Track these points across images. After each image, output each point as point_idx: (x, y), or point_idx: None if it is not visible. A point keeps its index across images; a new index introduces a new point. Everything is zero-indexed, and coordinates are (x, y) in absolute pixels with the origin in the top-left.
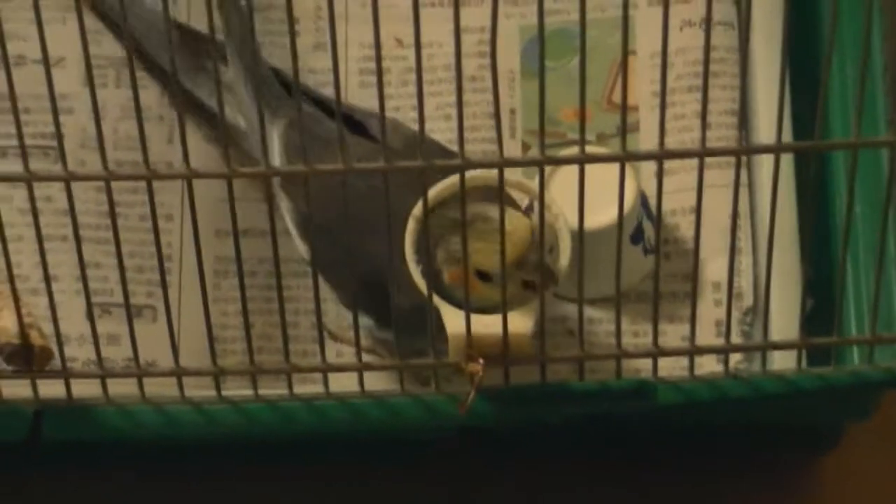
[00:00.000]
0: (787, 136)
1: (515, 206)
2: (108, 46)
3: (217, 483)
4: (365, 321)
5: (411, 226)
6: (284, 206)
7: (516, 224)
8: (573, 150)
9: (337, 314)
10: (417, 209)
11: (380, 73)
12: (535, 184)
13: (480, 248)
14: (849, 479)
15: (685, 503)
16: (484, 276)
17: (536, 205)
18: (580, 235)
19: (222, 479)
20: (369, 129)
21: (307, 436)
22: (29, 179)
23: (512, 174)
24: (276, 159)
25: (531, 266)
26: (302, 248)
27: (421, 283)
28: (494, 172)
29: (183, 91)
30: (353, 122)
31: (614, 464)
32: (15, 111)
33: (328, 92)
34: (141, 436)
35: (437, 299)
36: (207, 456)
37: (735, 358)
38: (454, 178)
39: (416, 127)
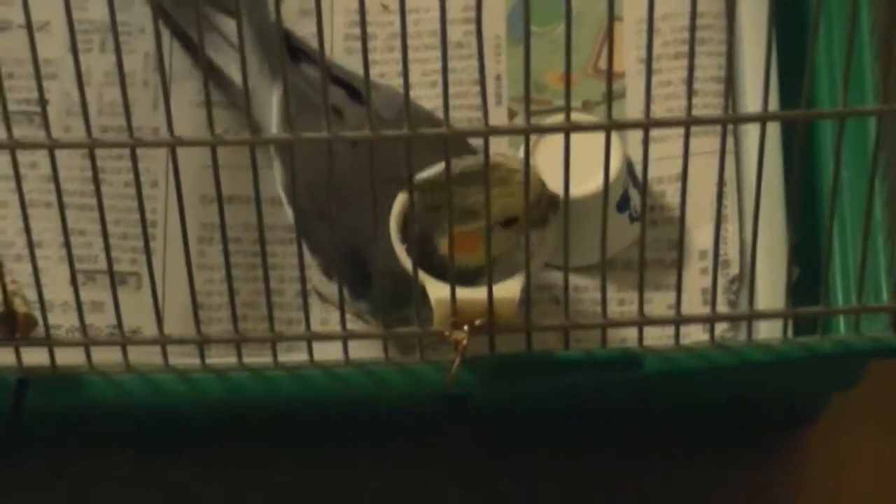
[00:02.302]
0: (775, 104)
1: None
2: (93, 11)
3: (207, 459)
4: (335, 289)
5: (398, 207)
6: (277, 168)
7: (531, 170)
8: (559, 118)
9: (320, 279)
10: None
11: (364, 38)
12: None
13: (504, 192)
14: (833, 450)
15: (674, 476)
16: (510, 222)
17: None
18: (566, 203)
19: (212, 454)
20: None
21: (292, 408)
22: (12, 146)
23: (499, 148)
24: (274, 122)
25: (546, 202)
26: (289, 212)
27: (406, 261)
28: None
29: (192, 45)
30: (353, 91)
31: (600, 438)
32: None
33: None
34: (125, 405)
35: (421, 273)
36: (196, 432)
37: (721, 327)
38: (469, 159)
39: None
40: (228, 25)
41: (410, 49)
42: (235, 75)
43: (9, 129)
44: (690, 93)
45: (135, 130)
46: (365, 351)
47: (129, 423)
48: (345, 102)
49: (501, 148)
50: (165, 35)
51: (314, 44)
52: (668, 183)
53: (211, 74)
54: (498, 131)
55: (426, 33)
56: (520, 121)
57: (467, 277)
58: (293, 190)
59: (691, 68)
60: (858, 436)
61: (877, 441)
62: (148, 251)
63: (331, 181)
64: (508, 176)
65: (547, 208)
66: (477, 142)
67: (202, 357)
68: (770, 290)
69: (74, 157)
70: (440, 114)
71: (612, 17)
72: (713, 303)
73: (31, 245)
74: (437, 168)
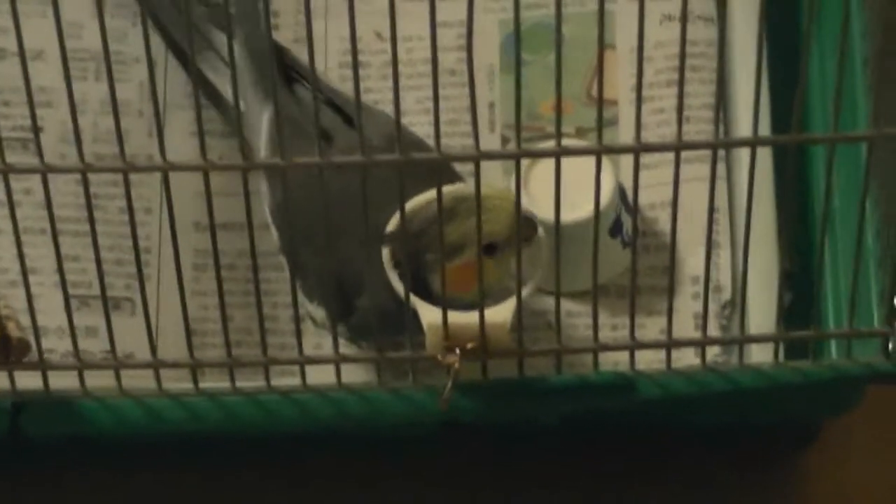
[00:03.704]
0: (766, 130)
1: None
2: (88, 40)
3: (200, 483)
4: (320, 314)
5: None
6: (263, 190)
7: (503, 194)
8: (551, 144)
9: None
10: (394, 221)
11: (356, 66)
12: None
13: (485, 220)
14: (828, 472)
15: (671, 499)
16: (491, 248)
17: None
18: (557, 228)
19: (205, 478)
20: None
21: (287, 431)
22: (5, 171)
23: (492, 176)
24: (263, 144)
25: (523, 220)
26: (275, 234)
27: (399, 287)
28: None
29: (197, 71)
30: (345, 116)
31: (593, 462)
32: None
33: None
34: (118, 429)
35: (414, 297)
36: (189, 456)
37: (713, 351)
38: (432, 195)
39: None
40: (225, 44)
41: (404, 76)
42: (231, 95)
43: (2, 154)
44: (681, 117)
45: (129, 158)
46: (358, 375)
47: (122, 446)
48: (336, 127)
49: (495, 174)
50: (160, 65)
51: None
52: (660, 209)
53: (208, 94)
54: (489, 156)
55: (419, 61)
56: (513, 147)
57: (462, 304)
58: (278, 212)
59: (681, 93)
60: (860, 459)
61: (871, 459)
62: (141, 277)
63: (317, 206)
64: (486, 206)
65: (526, 227)
66: (467, 167)
67: (195, 382)
68: (762, 315)
69: (69, 183)
70: (432, 141)
71: (602, 45)
72: (704, 327)
73: (25, 271)
74: (415, 212)
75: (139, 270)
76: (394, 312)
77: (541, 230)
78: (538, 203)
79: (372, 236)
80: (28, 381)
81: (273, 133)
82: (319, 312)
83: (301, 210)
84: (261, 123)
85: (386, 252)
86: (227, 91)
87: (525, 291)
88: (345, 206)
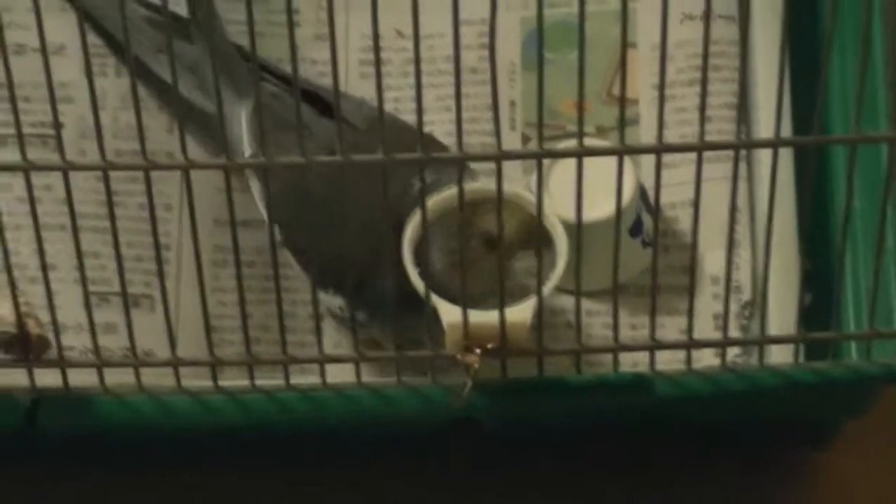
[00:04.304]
0: (787, 131)
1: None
2: None
3: (219, 481)
4: (336, 301)
5: (409, 232)
6: (254, 187)
7: (523, 197)
8: (572, 143)
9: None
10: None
11: (378, 63)
12: (532, 196)
13: (491, 214)
14: (845, 475)
15: (685, 499)
16: (491, 242)
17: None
18: (578, 228)
19: (224, 476)
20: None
21: (304, 430)
22: (26, 168)
23: (512, 173)
24: (245, 143)
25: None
26: (276, 229)
27: (419, 284)
28: (492, 186)
29: (148, 73)
30: (321, 102)
31: (610, 461)
32: (13, 100)
33: (324, 81)
34: (137, 427)
35: (434, 296)
36: (208, 454)
37: (733, 352)
38: (448, 194)
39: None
40: (186, 50)
41: (425, 74)
42: (198, 100)
43: (23, 151)
44: (703, 118)
45: (149, 154)
46: (378, 372)
47: (141, 444)
48: (311, 117)
49: (515, 172)
50: None
51: (326, 69)
52: (681, 208)
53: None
54: (510, 156)
55: (440, 58)
56: (533, 146)
57: (473, 301)
58: (272, 206)
59: (704, 93)
60: (870, 464)
61: (889, 470)
62: (161, 274)
63: (314, 197)
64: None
65: (531, 232)
66: (488, 166)
67: (215, 379)
68: (782, 315)
69: (89, 179)
70: (453, 139)
71: (625, 44)
72: (725, 328)
73: (44, 267)
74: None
75: (159, 267)
76: (410, 304)
77: (560, 231)
78: (558, 202)
79: (372, 224)
80: (47, 377)
81: (255, 129)
82: (336, 301)
83: (300, 202)
84: (240, 121)
85: (407, 250)
86: (191, 95)
87: (544, 291)
88: (336, 191)
